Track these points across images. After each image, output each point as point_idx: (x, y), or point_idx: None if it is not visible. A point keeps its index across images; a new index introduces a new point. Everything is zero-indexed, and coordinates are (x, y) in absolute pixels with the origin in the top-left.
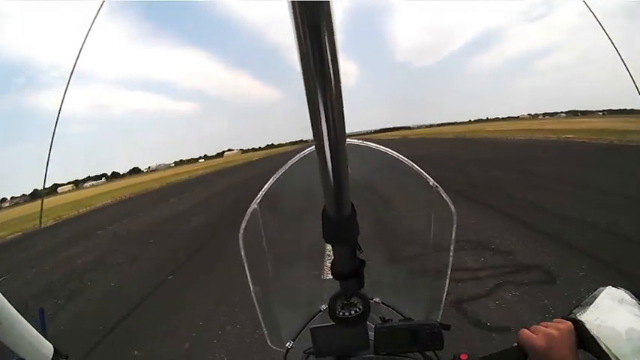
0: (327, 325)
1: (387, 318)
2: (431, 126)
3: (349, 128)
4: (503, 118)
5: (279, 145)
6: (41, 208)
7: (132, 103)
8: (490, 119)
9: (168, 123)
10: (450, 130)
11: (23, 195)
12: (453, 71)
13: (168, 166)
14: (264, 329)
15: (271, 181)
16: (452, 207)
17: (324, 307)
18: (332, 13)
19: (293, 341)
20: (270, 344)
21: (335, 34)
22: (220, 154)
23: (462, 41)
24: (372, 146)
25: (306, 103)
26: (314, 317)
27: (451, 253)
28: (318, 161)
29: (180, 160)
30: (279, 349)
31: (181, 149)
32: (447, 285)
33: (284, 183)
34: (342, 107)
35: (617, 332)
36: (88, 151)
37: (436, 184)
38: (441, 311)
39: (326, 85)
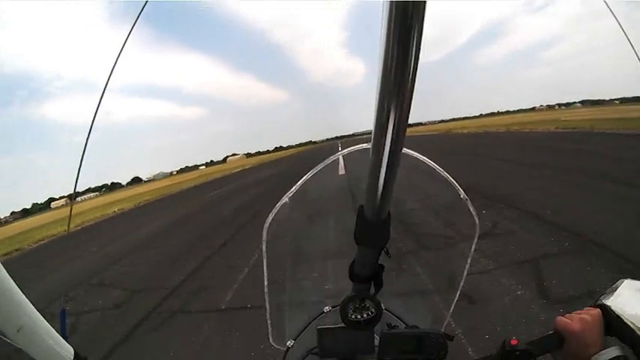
0: (335, 327)
1: (393, 324)
2: (442, 121)
3: (360, 127)
4: (517, 110)
5: (289, 147)
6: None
7: (136, 109)
8: (502, 112)
9: (173, 129)
10: (465, 124)
11: (13, 213)
12: (461, 64)
13: (166, 175)
14: (269, 326)
15: (306, 177)
16: (476, 220)
17: (327, 308)
18: (424, 15)
19: (294, 340)
20: (271, 342)
21: (422, 38)
22: (224, 160)
23: (468, 33)
24: (410, 153)
25: (376, 101)
26: (316, 318)
27: (467, 266)
28: (371, 161)
29: (184, 168)
30: (280, 347)
31: (187, 155)
32: (457, 297)
33: (315, 182)
34: (408, 116)
35: (639, 314)
36: (91, 161)
37: (466, 196)
38: (446, 322)
39: (403, 86)
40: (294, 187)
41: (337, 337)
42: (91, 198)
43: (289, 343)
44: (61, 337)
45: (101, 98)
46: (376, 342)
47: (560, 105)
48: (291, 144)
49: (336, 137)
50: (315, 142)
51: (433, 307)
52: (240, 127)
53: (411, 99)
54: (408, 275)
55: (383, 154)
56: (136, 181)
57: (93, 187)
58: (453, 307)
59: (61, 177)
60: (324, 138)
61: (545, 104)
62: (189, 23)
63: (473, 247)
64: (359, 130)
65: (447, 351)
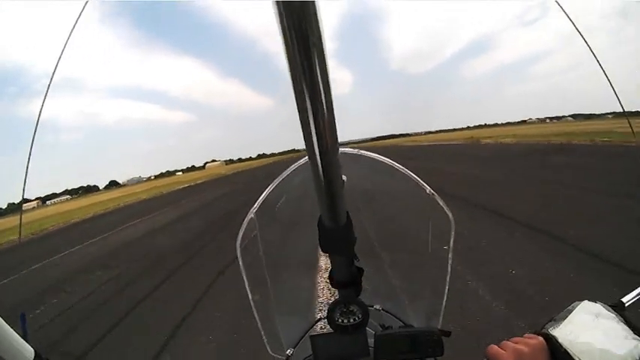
0: (326, 333)
1: (387, 325)
2: (429, 132)
3: (345, 137)
4: (510, 123)
5: (272, 155)
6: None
7: (121, 111)
8: (489, 125)
9: (160, 132)
10: (459, 135)
11: None
12: (450, 77)
13: (141, 181)
14: (264, 337)
15: (267, 190)
16: (449, 214)
17: (323, 314)
18: (318, 14)
19: (293, 349)
20: (270, 352)
21: (323, 37)
22: (203, 166)
23: (458, 45)
24: (368, 155)
25: (297, 112)
26: (314, 325)
27: (449, 261)
28: (312, 171)
29: (164, 172)
30: (279, 356)
31: (172, 159)
32: (446, 292)
33: (281, 192)
34: (334, 116)
35: (592, 347)
36: (71, 162)
37: (432, 191)
38: (441, 318)
39: (316, 93)
40: (256, 203)
41: (330, 343)
42: (61, 202)
43: (289, 351)
44: (21, 339)
45: (46, 95)
46: (372, 344)
47: (551, 118)
48: (274, 151)
49: None
50: (298, 151)
51: (427, 304)
52: (226, 133)
53: (330, 100)
54: (399, 275)
55: (317, 163)
56: (114, 184)
57: (70, 189)
58: (444, 302)
59: (45, 177)
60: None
61: (535, 117)
62: (177, 27)
63: (451, 240)
64: (344, 140)
65: (443, 347)
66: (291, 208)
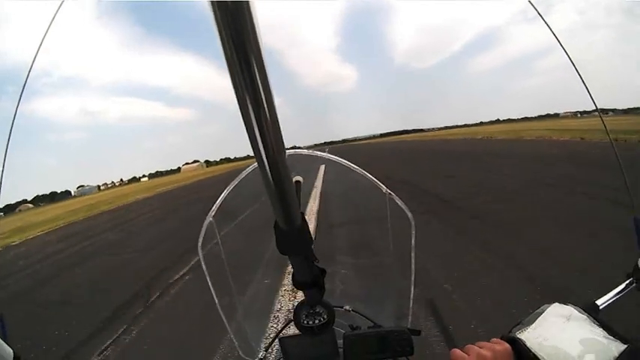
0: (295, 335)
1: (356, 325)
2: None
3: (350, 133)
4: (505, 120)
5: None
6: None
7: (121, 110)
8: (502, 120)
9: (159, 130)
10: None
11: None
12: (459, 72)
13: (92, 190)
14: (235, 340)
15: (224, 194)
16: (408, 213)
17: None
18: (253, 13)
19: (266, 351)
20: (242, 355)
21: (259, 36)
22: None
23: (466, 40)
24: (321, 155)
25: (241, 117)
26: (285, 327)
27: (412, 260)
28: (261, 175)
29: (131, 178)
30: (250, 359)
31: (173, 157)
32: (412, 290)
33: (240, 195)
34: (277, 118)
35: (561, 350)
36: (59, 164)
37: (389, 191)
38: (410, 317)
39: (256, 94)
40: (214, 207)
41: (300, 345)
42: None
43: (261, 354)
44: (0, 340)
45: (22, 93)
46: (341, 345)
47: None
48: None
49: (325, 143)
50: (298, 147)
51: (395, 303)
52: (225, 130)
53: (273, 106)
54: (366, 275)
55: (265, 166)
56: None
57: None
58: (412, 301)
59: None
60: (312, 144)
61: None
62: (179, 22)
63: (413, 240)
64: (349, 137)
65: (413, 346)
66: (248, 211)
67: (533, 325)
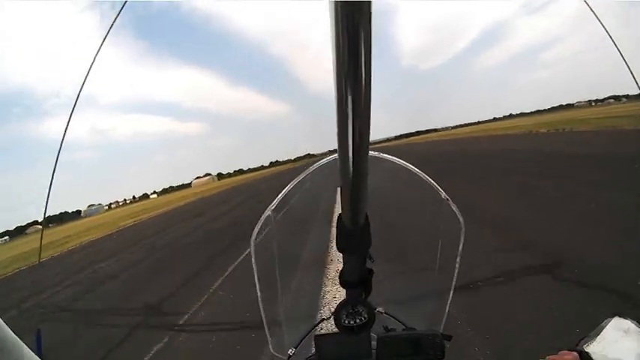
0: (331, 333)
1: (390, 327)
2: (458, 127)
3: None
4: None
5: (288, 162)
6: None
7: (131, 126)
8: (506, 116)
9: (170, 145)
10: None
11: None
12: (469, 68)
13: (101, 209)
14: (268, 335)
15: (287, 188)
16: (461, 219)
17: (326, 315)
18: (371, 15)
19: (295, 348)
20: (272, 351)
21: (371, 37)
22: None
23: (470, 37)
24: (388, 158)
25: (335, 110)
26: (317, 325)
27: (457, 265)
28: (340, 170)
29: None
30: (280, 355)
31: (184, 171)
32: (450, 296)
33: (298, 192)
34: (370, 117)
35: None
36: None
37: (447, 196)
38: (444, 322)
39: (357, 92)
40: (275, 201)
41: (334, 344)
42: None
43: (290, 351)
44: (36, 357)
45: (71, 115)
46: (374, 346)
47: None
48: (290, 157)
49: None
50: (313, 155)
51: (431, 308)
52: (239, 142)
53: (369, 104)
54: (405, 277)
55: (348, 162)
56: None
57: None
58: (448, 306)
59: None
60: (326, 150)
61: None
62: (184, 36)
63: (460, 246)
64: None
65: (444, 351)
66: (305, 208)
67: (598, 338)
